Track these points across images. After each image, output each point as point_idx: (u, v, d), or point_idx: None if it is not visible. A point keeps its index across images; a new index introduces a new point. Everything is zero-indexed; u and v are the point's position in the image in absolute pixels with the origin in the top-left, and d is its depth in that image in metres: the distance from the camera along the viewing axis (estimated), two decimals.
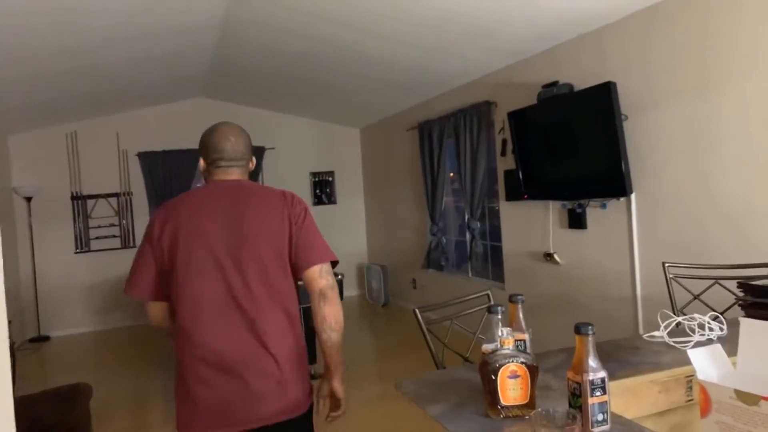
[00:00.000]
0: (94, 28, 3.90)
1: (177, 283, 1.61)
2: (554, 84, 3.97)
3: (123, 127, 6.97)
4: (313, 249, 1.68)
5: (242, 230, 1.63)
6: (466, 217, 5.45)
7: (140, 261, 1.66)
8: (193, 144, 7.65)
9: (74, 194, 6.77)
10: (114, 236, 6.92)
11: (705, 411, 1.15)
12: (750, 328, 1.24)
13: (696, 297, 2.37)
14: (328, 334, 1.66)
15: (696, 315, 1.80)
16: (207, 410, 1.57)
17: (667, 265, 2.51)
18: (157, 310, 1.69)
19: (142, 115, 7.03)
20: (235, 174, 1.76)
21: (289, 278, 1.69)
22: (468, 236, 5.47)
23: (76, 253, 6.78)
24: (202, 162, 1.78)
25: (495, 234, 5.24)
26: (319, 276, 1.66)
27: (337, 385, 1.70)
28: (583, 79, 3.76)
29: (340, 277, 4.40)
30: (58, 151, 6.73)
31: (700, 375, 1.19)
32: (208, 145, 1.74)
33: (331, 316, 1.65)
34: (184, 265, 1.60)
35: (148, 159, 7.01)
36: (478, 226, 5.28)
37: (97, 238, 6.85)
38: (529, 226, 4.57)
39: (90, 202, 6.85)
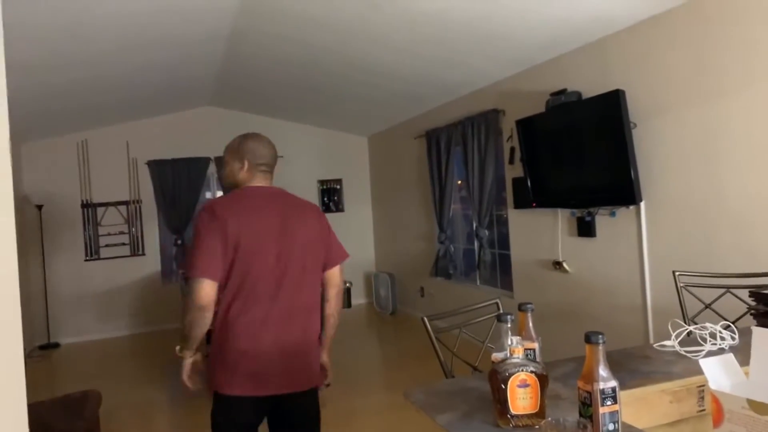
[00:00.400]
0: (104, 39, 3.95)
1: (237, 272, 1.85)
2: (562, 92, 3.97)
3: (132, 135, 7.04)
4: (336, 251, 2.12)
5: (292, 233, 1.94)
6: (474, 225, 5.44)
7: (207, 248, 1.82)
8: (202, 152, 7.68)
9: (84, 202, 6.83)
10: (123, 244, 6.97)
11: (717, 421, 1.14)
12: (763, 337, 1.22)
13: (707, 306, 2.35)
14: (336, 318, 2.13)
15: (707, 324, 1.79)
16: (251, 376, 1.85)
17: (677, 273, 2.49)
18: (213, 290, 1.83)
19: (151, 124, 7.09)
20: (269, 179, 2.04)
21: (319, 278, 2.06)
22: (476, 244, 5.46)
23: (86, 260, 6.83)
24: (247, 164, 1.97)
25: (503, 242, 5.23)
26: (339, 273, 2.13)
27: (327, 358, 2.12)
28: (591, 87, 3.76)
29: (348, 285, 4.40)
30: (69, 160, 6.80)
31: (713, 384, 1.18)
32: (254, 151, 1.98)
33: (341, 304, 2.15)
34: (246, 258, 1.84)
35: (157, 167, 7.06)
36: (487, 234, 5.26)
37: (106, 245, 6.89)
38: (538, 234, 4.55)
39: (100, 210, 6.90)
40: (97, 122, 6.68)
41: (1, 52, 0.77)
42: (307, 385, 1.97)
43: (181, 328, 1.91)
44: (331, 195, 8.05)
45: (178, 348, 1.93)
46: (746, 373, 1.23)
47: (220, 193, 7.47)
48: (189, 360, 1.92)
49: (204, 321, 1.84)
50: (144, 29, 3.95)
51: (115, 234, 6.94)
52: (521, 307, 1.51)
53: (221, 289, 1.86)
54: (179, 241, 7.08)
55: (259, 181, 1.99)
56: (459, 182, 5.99)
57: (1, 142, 0.78)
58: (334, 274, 2.10)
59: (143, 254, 7.05)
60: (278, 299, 1.89)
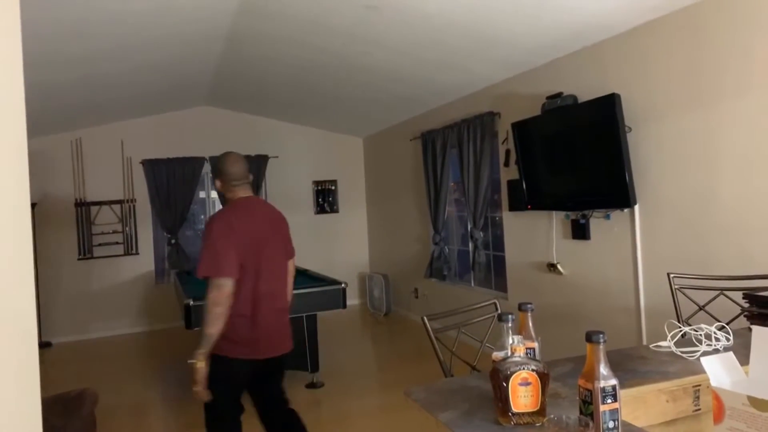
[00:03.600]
0: (102, 37, 3.93)
1: (249, 267, 2.35)
2: (558, 95, 4.00)
3: (127, 134, 7.00)
4: (292, 247, 2.71)
5: (275, 233, 2.53)
6: (469, 226, 5.46)
7: (227, 252, 2.27)
8: (197, 152, 7.64)
9: (78, 201, 6.79)
10: (117, 243, 6.93)
11: (718, 417, 1.16)
12: (762, 336, 1.25)
13: (701, 308, 2.38)
14: (291, 296, 2.71)
15: (702, 325, 1.81)
16: (261, 340, 2.39)
17: (672, 275, 2.52)
18: (231, 285, 2.27)
19: (146, 123, 7.06)
20: (249, 189, 2.52)
21: (287, 265, 2.64)
22: (471, 246, 5.48)
23: (79, 259, 6.78)
24: (219, 182, 2.48)
25: (498, 244, 5.25)
26: (293, 262, 2.72)
27: None
28: (586, 91, 3.79)
29: (343, 285, 4.40)
30: (62, 158, 6.75)
31: (714, 382, 1.20)
32: (228, 172, 2.44)
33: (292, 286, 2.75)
34: (255, 255, 2.37)
35: (151, 166, 7.03)
36: (481, 235, 5.29)
37: (100, 245, 6.85)
38: (532, 236, 4.58)
39: (93, 209, 6.86)
40: (91, 120, 6.65)
41: (19, 57, 0.78)
42: (288, 349, 2.55)
43: (203, 328, 2.21)
44: (325, 196, 8.05)
45: (200, 353, 2.18)
46: (746, 372, 1.25)
47: (214, 193, 7.46)
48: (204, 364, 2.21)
49: (224, 315, 2.22)
50: (143, 28, 3.94)
51: (108, 233, 6.89)
52: (521, 307, 1.53)
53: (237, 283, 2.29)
54: (173, 241, 7.05)
55: (243, 193, 2.47)
56: (453, 184, 6.01)
57: (20, 158, 0.79)
58: (292, 264, 2.70)
59: (137, 253, 7.02)
60: (275, 284, 2.47)
